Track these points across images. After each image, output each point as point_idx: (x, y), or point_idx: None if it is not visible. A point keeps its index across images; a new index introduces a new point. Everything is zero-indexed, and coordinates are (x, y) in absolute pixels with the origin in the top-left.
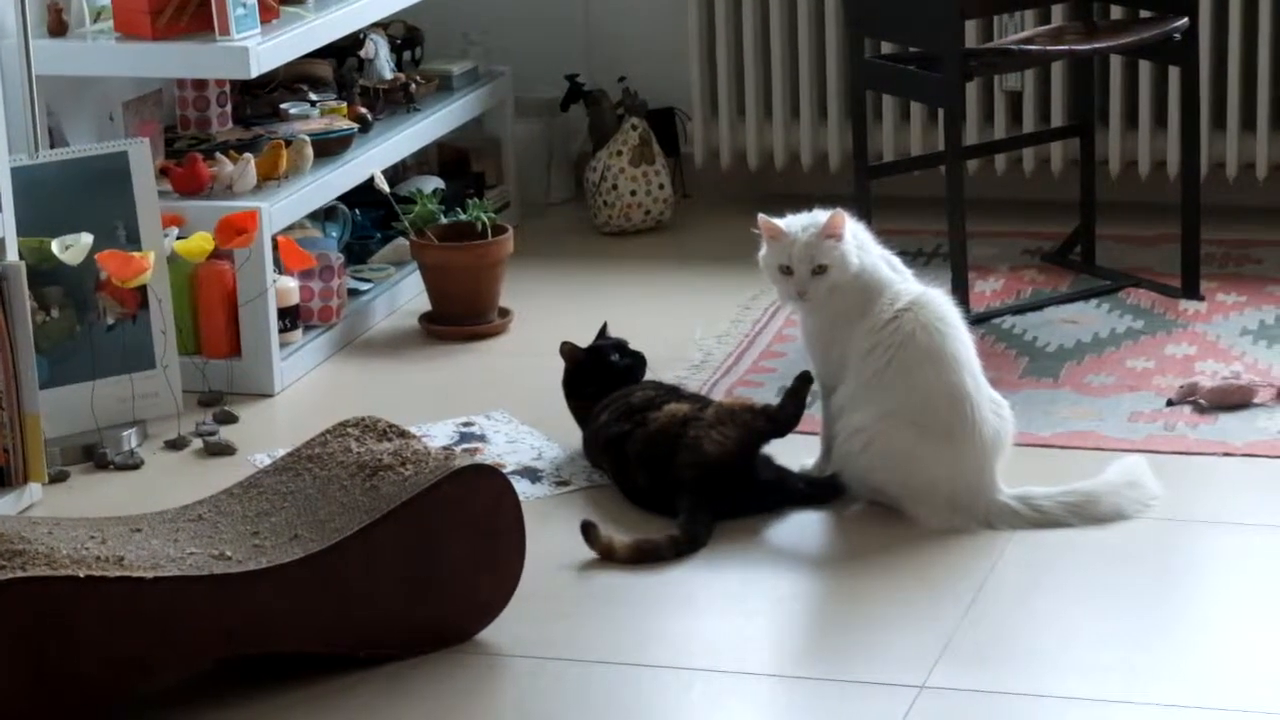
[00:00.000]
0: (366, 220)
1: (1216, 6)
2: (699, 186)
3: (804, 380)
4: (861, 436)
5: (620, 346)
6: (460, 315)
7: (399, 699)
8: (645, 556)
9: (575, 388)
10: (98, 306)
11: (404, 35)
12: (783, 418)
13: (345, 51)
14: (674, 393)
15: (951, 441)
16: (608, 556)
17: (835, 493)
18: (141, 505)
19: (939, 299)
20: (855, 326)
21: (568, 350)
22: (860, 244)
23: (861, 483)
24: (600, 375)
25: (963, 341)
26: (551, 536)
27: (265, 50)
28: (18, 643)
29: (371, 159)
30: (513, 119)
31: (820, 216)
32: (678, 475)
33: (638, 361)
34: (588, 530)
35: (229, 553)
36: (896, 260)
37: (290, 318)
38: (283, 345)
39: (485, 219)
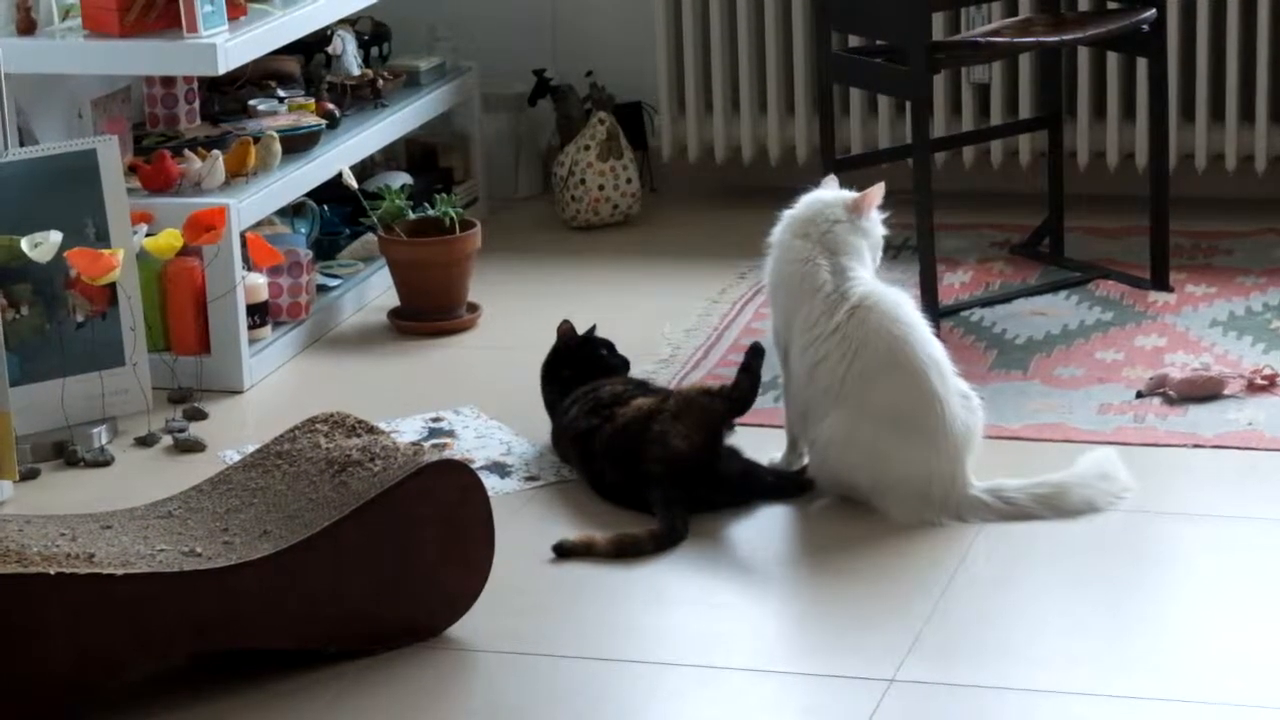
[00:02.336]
0: (335, 216)
1: None
2: (666, 180)
3: (755, 354)
4: (834, 447)
5: (610, 345)
6: (429, 310)
7: (369, 694)
8: (626, 551)
9: (554, 368)
10: (67, 304)
11: (371, 31)
12: (738, 395)
13: (313, 48)
14: (643, 387)
15: (923, 441)
16: (589, 553)
17: (803, 486)
18: (112, 502)
19: (887, 296)
20: (793, 315)
21: (565, 329)
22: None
23: (835, 483)
24: (581, 362)
25: (922, 338)
26: (520, 531)
27: (233, 47)
28: None
29: (339, 155)
30: (480, 114)
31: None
32: (647, 470)
33: (622, 364)
34: (562, 548)
35: (199, 549)
36: (845, 258)
37: (259, 314)
38: (252, 341)
39: (453, 214)
